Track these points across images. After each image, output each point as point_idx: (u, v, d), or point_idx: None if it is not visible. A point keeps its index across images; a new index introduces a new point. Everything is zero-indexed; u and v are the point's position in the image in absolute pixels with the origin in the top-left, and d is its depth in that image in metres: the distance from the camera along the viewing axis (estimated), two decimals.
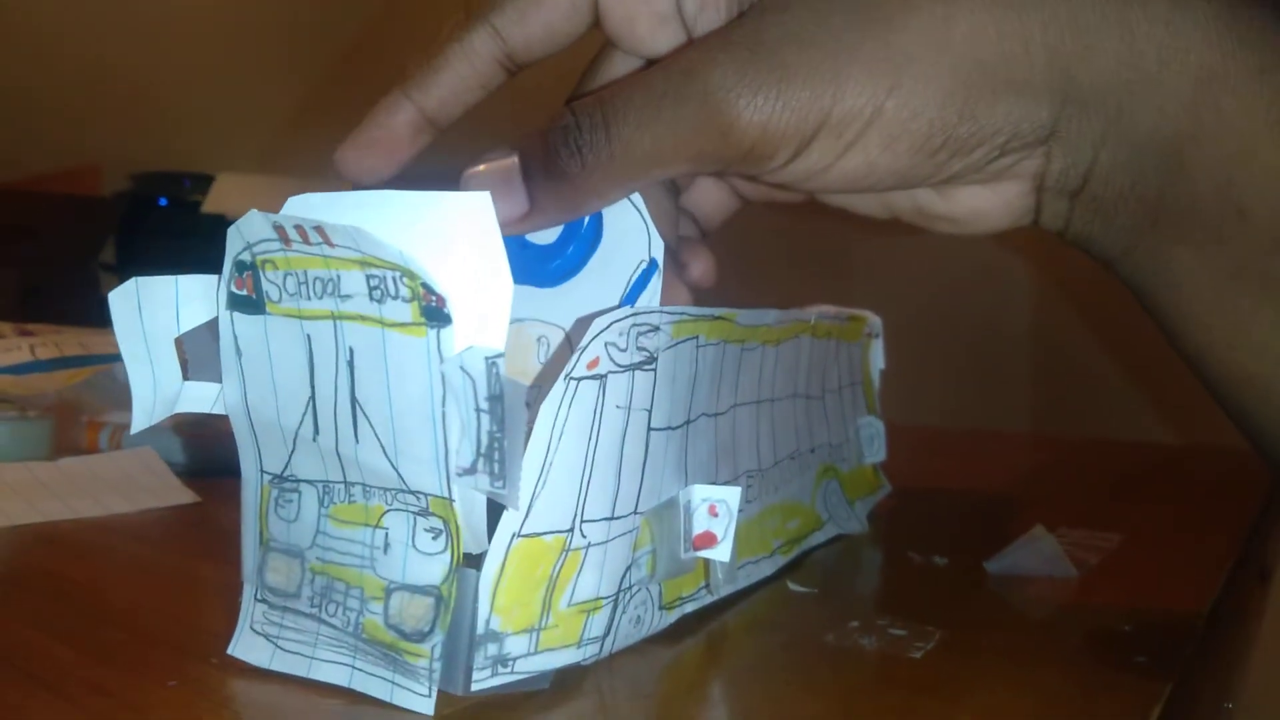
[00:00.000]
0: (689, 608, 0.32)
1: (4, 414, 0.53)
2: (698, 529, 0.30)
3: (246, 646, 0.28)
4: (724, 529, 0.30)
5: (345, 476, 0.26)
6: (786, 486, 0.39)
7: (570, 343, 0.27)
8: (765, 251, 0.97)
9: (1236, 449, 0.64)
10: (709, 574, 0.33)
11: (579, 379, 0.25)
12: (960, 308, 0.85)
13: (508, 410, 0.24)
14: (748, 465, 0.36)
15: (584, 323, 0.25)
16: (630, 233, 0.27)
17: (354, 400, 0.26)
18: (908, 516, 0.47)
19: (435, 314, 0.24)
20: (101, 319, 0.28)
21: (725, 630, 0.32)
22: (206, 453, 0.53)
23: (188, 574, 0.39)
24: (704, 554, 0.30)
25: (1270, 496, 0.53)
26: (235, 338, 0.27)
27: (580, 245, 0.28)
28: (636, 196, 0.28)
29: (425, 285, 0.24)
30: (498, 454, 0.24)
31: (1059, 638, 0.33)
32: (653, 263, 0.27)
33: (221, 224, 0.27)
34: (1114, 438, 0.75)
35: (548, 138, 0.26)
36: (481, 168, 0.27)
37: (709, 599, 0.33)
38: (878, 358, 0.49)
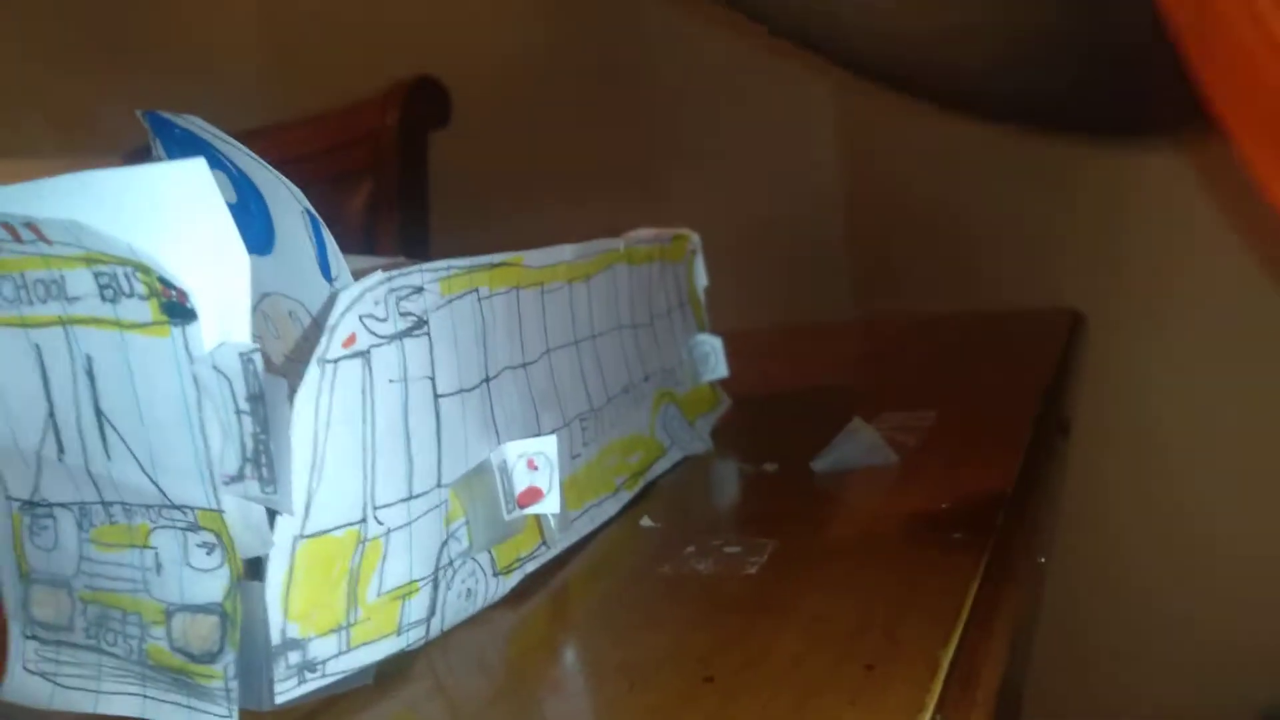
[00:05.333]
0: (530, 567, 0.31)
1: None
2: (519, 486, 0.29)
3: (20, 689, 0.25)
4: (548, 481, 0.29)
5: (102, 496, 0.24)
6: (624, 421, 0.38)
7: (318, 321, 0.25)
8: (577, 179, 0.96)
9: (1037, 310, 0.68)
10: (544, 529, 0.32)
11: (335, 360, 0.23)
12: (772, 211, 0.86)
13: (270, 409, 0.21)
14: (578, 408, 0.35)
15: (330, 298, 0.23)
16: (272, 186, 0.25)
17: (99, 412, 0.23)
18: (746, 427, 0.47)
19: (177, 310, 0.22)
20: None
21: (568, 581, 0.32)
22: None
23: None
24: (532, 510, 0.29)
25: (1066, 351, 0.56)
26: None
27: (258, 200, 0.25)
28: (255, 159, 0.25)
29: (162, 279, 0.21)
30: (265, 458, 0.22)
31: (884, 530, 0.34)
32: (307, 211, 0.25)
33: None
34: (927, 312, 0.78)
35: None
36: None
37: (550, 553, 0.32)
38: (700, 275, 0.49)
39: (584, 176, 0.96)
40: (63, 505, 0.24)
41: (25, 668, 0.25)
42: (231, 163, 0.26)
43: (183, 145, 0.26)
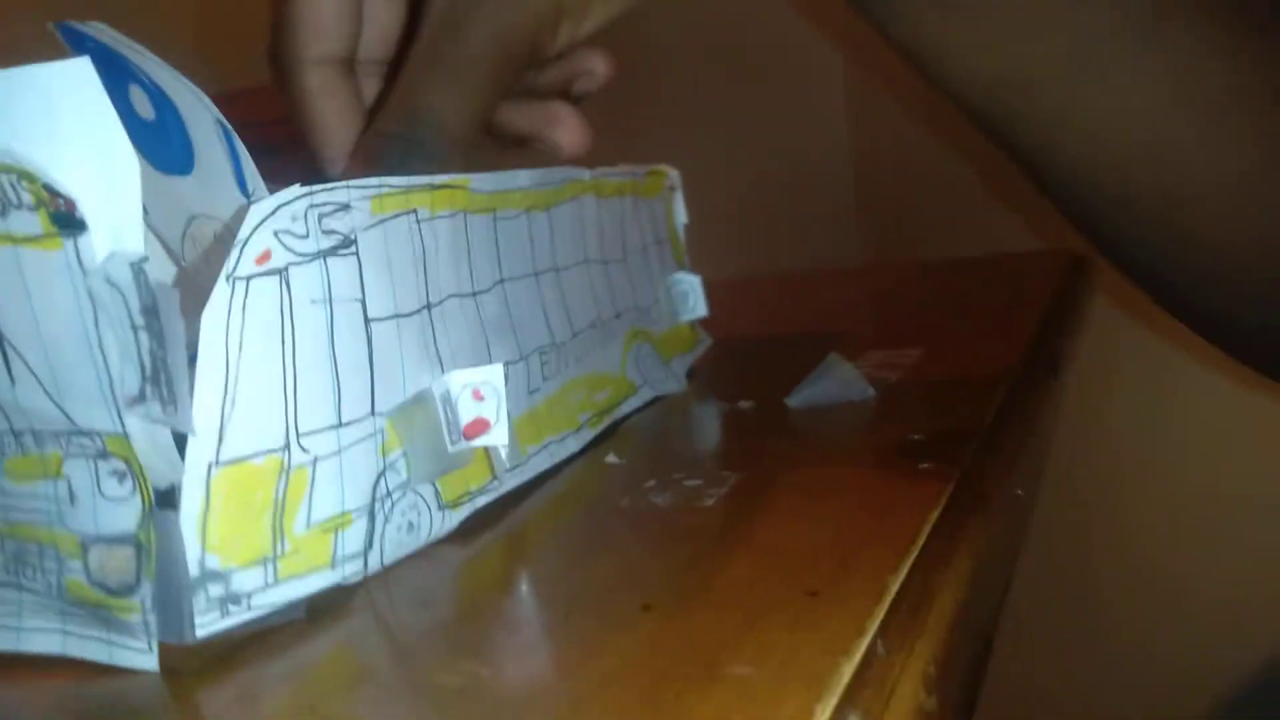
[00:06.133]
0: (481, 501, 0.30)
1: None
2: (465, 417, 0.28)
3: None
4: (494, 412, 0.28)
5: (11, 425, 0.23)
6: (590, 357, 0.37)
7: (229, 233, 0.24)
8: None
9: (1036, 252, 0.66)
10: (493, 462, 0.31)
11: (247, 278, 0.22)
12: (779, 162, 0.84)
13: (165, 323, 0.20)
14: (538, 341, 0.34)
15: (241, 211, 0.22)
16: (186, 99, 0.23)
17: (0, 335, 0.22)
18: (725, 368, 0.46)
19: (67, 220, 0.21)
20: None
21: (524, 516, 0.31)
22: None
23: None
24: (478, 442, 0.28)
25: (1058, 294, 0.54)
26: None
27: (174, 116, 0.24)
28: (170, 70, 0.23)
29: (48, 187, 0.20)
30: (164, 375, 0.21)
31: (853, 461, 0.32)
32: (219, 122, 0.23)
33: None
34: (923, 258, 0.76)
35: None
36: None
37: (503, 488, 0.31)
38: (680, 212, 0.47)
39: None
40: None
41: None
42: (148, 77, 0.24)
43: (97, 59, 0.24)
